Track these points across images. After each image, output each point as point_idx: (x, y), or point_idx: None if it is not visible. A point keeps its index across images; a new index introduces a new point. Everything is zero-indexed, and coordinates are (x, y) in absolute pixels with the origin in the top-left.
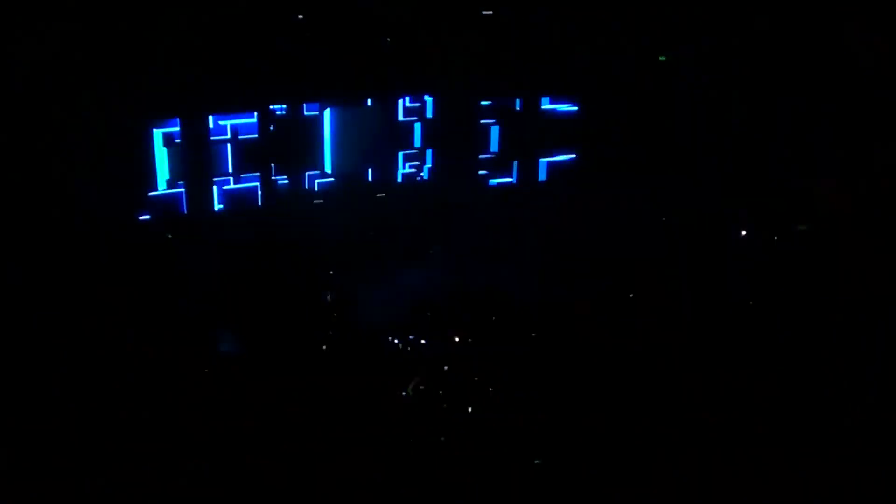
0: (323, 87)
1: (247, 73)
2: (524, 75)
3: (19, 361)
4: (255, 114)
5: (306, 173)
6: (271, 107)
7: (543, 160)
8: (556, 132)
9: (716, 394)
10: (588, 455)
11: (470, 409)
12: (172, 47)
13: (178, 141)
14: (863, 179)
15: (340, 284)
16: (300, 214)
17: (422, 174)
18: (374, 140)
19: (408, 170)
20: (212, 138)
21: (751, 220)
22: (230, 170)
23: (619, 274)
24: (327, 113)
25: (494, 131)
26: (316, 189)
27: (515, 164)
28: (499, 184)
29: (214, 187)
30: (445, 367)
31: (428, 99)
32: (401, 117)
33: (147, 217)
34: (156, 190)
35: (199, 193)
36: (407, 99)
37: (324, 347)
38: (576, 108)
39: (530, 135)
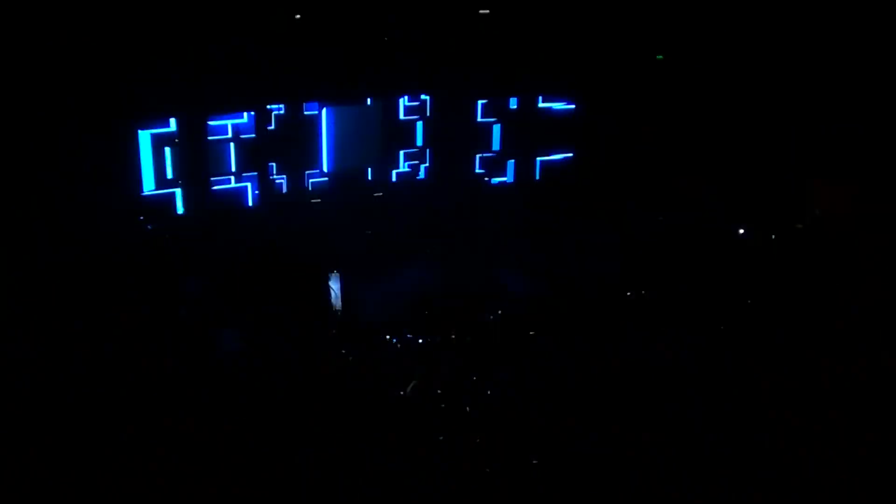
0: (319, 87)
1: (244, 73)
2: (521, 74)
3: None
4: (245, 114)
5: (305, 172)
6: (268, 106)
7: (540, 159)
8: (554, 131)
9: (715, 392)
10: (587, 455)
11: (468, 409)
12: (169, 48)
13: (173, 141)
14: (861, 178)
15: (339, 283)
16: (297, 214)
17: (418, 174)
18: (369, 139)
19: (404, 169)
20: (208, 138)
21: (749, 219)
22: (225, 170)
23: (617, 273)
24: (324, 112)
25: (496, 130)
26: (310, 188)
27: (512, 163)
28: (497, 183)
29: (210, 188)
30: (443, 367)
31: (425, 97)
32: (393, 117)
33: (141, 217)
34: (148, 191)
35: (195, 194)
36: (406, 98)
37: (322, 347)
38: (573, 106)
39: (528, 134)
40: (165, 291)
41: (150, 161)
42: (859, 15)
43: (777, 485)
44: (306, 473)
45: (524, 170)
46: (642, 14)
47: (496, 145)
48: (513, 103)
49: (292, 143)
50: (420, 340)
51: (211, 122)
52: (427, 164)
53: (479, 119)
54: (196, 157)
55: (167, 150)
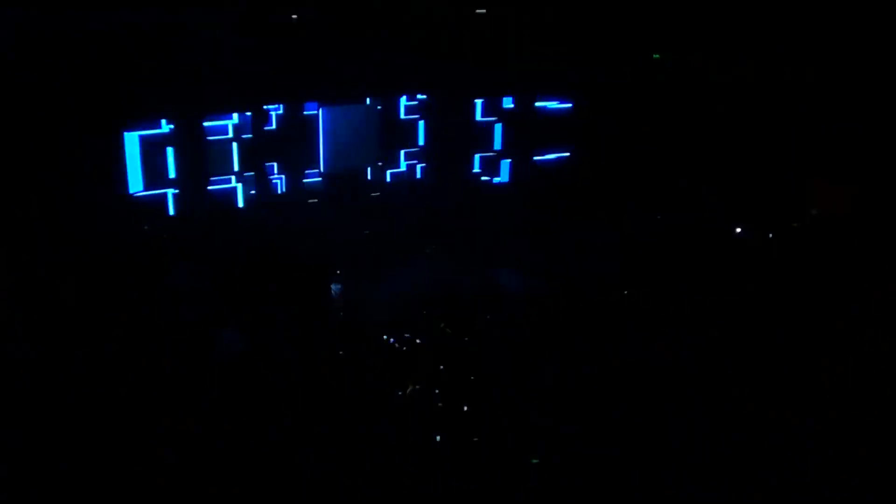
0: (317, 87)
1: (242, 73)
2: (519, 74)
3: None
4: (234, 115)
5: (303, 172)
6: (265, 107)
7: (538, 158)
8: (551, 130)
9: (713, 391)
10: (586, 454)
11: (466, 409)
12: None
13: (168, 143)
14: (857, 178)
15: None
16: (294, 214)
17: (414, 174)
18: (366, 140)
19: (400, 169)
20: (205, 139)
21: (747, 218)
22: (223, 170)
23: (615, 272)
24: (321, 113)
25: (497, 129)
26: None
27: (506, 163)
28: (494, 182)
29: (207, 188)
30: (442, 366)
31: (422, 97)
32: (391, 117)
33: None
34: (141, 191)
35: (191, 194)
36: (405, 98)
37: (321, 347)
38: (570, 105)
39: (525, 133)
40: (163, 291)
41: (146, 163)
42: (856, 16)
43: (776, 484)
44: (305, 473)
45: (522, 169)
46: (640, 13)
47: (497, 145)
48: (511, 103)
49: (290, 144)
50: (418, 340)
51: (205, 123)
52: (424, 164)
53: (476, 119)
54: (192, 158)
55: (169, 150)
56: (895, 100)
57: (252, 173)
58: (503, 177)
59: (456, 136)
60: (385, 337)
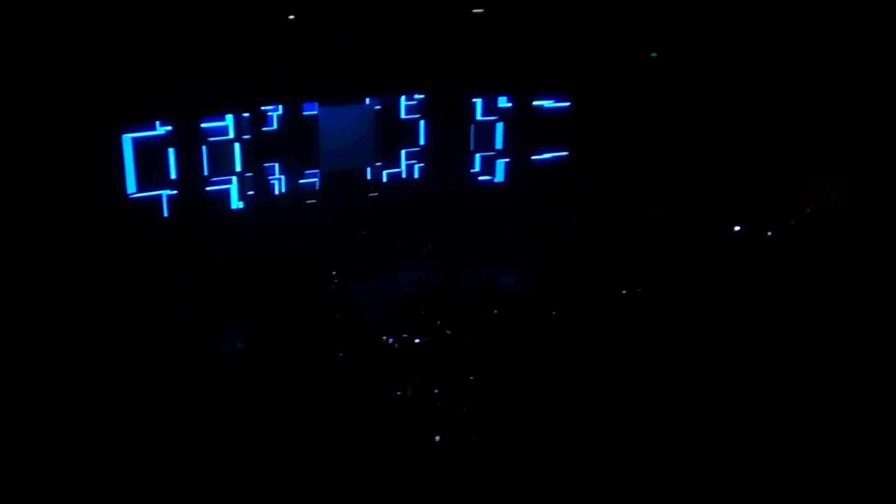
0: (314, 88)
1: (240, 74)
2: (516, 73)
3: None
4: (226, 117)
5: (300, 173)
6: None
7: (535, 157)
8: (548, 130)
9: (711, 390)
10: (584, 453)
11: (464, 409)
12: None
13: (166, 144)
14: (854, 176)
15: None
16: (292, 215)
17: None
18: (363, 140)
19: (396, 170)
20: (199, 140)
21: (744, 216)
22: (221, 171)
23: (613, 270)
24: (319, 113)
25: (499, 128)
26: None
27: (504, 162)
28: (492, 182)
29: (204, 189)
30: (440, 367)
31: (419, 97)
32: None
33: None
34: (138, 193)
35: (189, 195)
36: (403, 98)
37: (319, 346)
38: (567, 104)
39: (523, 133)
40: (161, 292)
41: (143, 164)
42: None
43: (775, 483)
44: (304, 473)
45: (520, 169)
46: (637, 12)
47: (498, 144)
48: (509, 103)
49: (288, 144)
50: (417, 340)
51: (202, 125)
52: (422, 164)
53: (475, 119)
54: (189, 160)
55: (167, 151)
56: (888, 96)
57: (251, 174)
58: (501, 176)
59: (454, 136)
60: (383, 337)
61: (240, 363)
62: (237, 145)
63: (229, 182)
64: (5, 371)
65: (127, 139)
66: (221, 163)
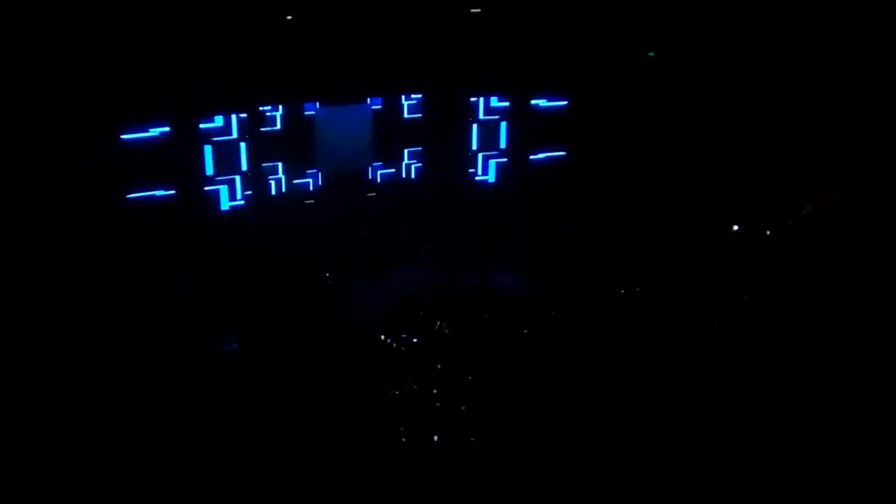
0: (313, 88)
1: (238, 75)
2: (514, 72)
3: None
4: (217, 118)
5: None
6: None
7: (533, 157)
8: (547, 130)
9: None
10: (583, 453)
11: (462, 408)
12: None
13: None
14: (853, 176)
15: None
16: (291, 215)
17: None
18: (361, 140)
19: (391, 170)
20: (198, 141)
21: (743, 216)
22: (220, 171)
23: (612, 270)
24: (315, 113)
25: (503, 127)
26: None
27: (496, 163)
28: (490, 182)
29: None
30: (438, 366)
31: (417, 97)
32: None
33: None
34: (136, 193)
35: (188, 195)
36: (402, 98)
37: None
38: (565, 103)
39: (521, 133)
40: (160, 292)
41: (142, 165)
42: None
43: (773, 482)
44: (303, 473)
45: (518, 169)
46: (635, 12)
47: (501, 144)
48: (504, 102)
49: (286, 144)
50: (415, 340)
51: (201, 125)
52: (420, 164)
53: (473, 118)
54: (188, 160)
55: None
56: (888, 96)
57: (249, 174)
58: (500, 176)
59: (452, 136)
60: (382, 337)
61: (238, 363)
62: (243, 145)
63: (226, 182)
64: (5, 371)
65: (128, 139)
66: (221, 163)
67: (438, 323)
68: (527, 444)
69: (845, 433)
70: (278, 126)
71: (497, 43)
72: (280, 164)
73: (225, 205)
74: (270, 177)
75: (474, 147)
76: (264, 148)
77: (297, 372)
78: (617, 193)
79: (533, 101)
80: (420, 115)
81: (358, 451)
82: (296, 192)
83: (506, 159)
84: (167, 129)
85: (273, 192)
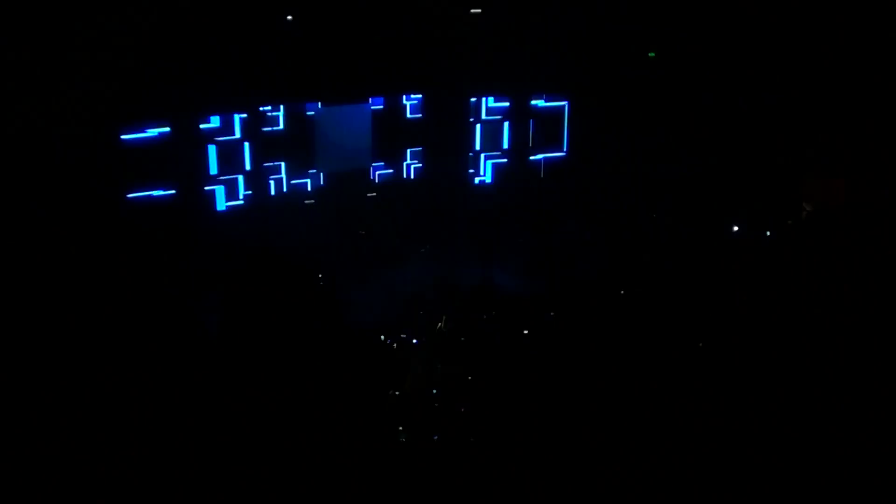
0: (314, 88)
1: (237, 74)
2: (515, 73)
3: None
4: (215, 118)
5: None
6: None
7: (533, 158)
8: (547, 130)
9: (710, 390)
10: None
11: (462, 409)
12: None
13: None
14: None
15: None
16: (291, 215)
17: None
18: (360, 140)
19: (388, 171)
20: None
21: (742, 216)
22: (218, 171)
23: (612, 270)
24: (314, 114)
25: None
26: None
27: (502, 163)
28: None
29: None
30: (438, 366)
31: (417, 97)
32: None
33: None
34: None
35: (188, 195)
36: (404, 98)
37: (317, 346)
38: (565, 103)
39: (521, 133)
40: (159, 292)
41: (142, 165)
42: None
43: (772, 483)
44: (302, 473)
45: (518, 169)
46: (635, 12)
47: (498, 144)
48: (504, 103)
49: (287, 144)
50: (415, 340)
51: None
52: (420, 165)
53: (472, 119)
54: (188, 160)
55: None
56: (888, 96)
57: (248, 175)
58: (500, 176)
59: (452, 136)
60: (382, 337)
61: (237, 363)
62: (246, 145)
63: (228, 182)
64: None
65: (128, 139)
66: (224, 163)
67: (439, 323)
68: (527, 445)
69: (846, 433)
70: (280, 126)
71: (497, 43)
72: (283, 164)
73: (221, 205)
74: (272, 176)
75: (478, 147)
76: (267, 148)
77: (296, 372)
78: (617, 194)
79: (533, 102)
80: (420, 115)
81: (357, 451)
82: (295, 193)
83: (506, 160)
84: (167, 129)
85: (273, 192)
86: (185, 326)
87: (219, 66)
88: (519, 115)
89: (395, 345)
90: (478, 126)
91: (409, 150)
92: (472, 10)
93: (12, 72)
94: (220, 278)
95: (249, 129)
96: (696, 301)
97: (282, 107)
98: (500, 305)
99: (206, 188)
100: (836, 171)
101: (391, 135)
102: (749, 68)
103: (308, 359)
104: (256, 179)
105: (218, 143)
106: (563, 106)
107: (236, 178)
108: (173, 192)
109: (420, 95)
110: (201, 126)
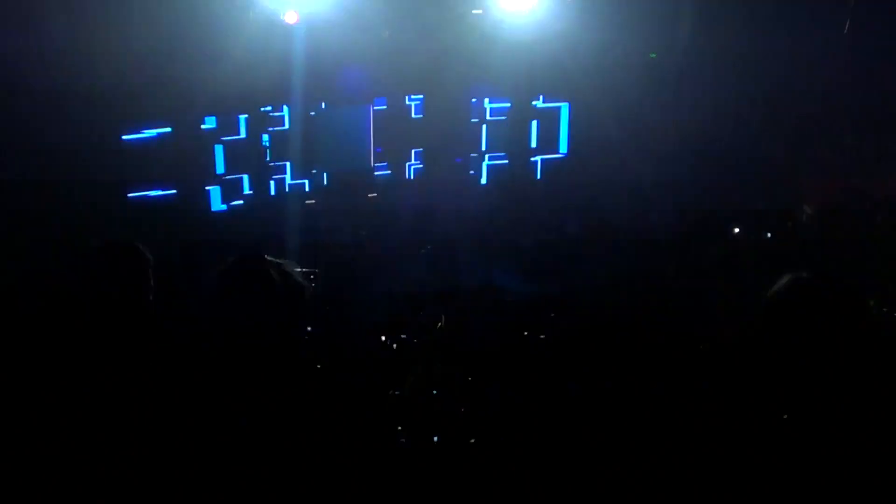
0: (315, 87)
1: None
2: (515, 73)
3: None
4: (213, 118)
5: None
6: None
7: (533, 158)
8: (546, 130)
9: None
10: (583, 455)
11: (462, 410)
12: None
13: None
14: (852, 177)
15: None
16: (291, 215)
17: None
18: (360, 140)
19: (386, 172)
20: (199, 140)
21: (742, 219)
22: (218, 171)
23: (611, 271)
24: (314, 114)
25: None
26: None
27: (504, 163)
28: (487, 182)
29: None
30: (438, 367)
31: (418, 97)
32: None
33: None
34: (137, 193)
35: (188, 195)
36: (407, 98)
37: (316, 347)
38: (566, 104)
39: (521, 133)
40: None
41: (142, 164)
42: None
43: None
44: (301, 472)
45: (517, 169)
46: (636, 12)
47: (496, 145)
48: (507, 103)
49: (286, 145)
50: (415, 341)
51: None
52: (419, 165)
53: (472, 119)
54: (189, 160)
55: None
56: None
57: (248, 175)
58: (501, 176)
59: (452, 137)
60: (382, 337)
61: (237, 363)
62: (247, 145)
63: (229, 183)
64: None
65: (130, 139)
66: (227, 163)
67: (439, 323)
68: (527, 445)
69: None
70: (285, 126)
71: (498, 43)
72: (288, 164)
73: (216, 205)
74: (274, 176)
75: (483, 147)
76: (270, 147)
77: (295, 373)
78: (617, 194)
79: (533, 102)
80: (421, 115)
81: (357, 452)
82: (295, 193)
83: (506, 161)
84: (168, 129)
85: (273, 192)
86: (185, 326)
87: (221, 66)
88: (519, 115)
89: (395, 345)
90: (483, 126)
91: (410, 151)
92: (474, 11)
93: (12, 71)
94: (218, 278)
95: (250, 130)
96: (696, 301)
97: (285, 107)
98: (501, 306)
99: (206, 188)
100: (836, 173)
101: (392, 135)
102: (749, 68)
103: (307, 359)
104: (258, 179)
105: (226, 143)
106: (563, 106)
107: (245, 178)
108: (173, 191)
109: (421, 96)
110: (204, 126)
